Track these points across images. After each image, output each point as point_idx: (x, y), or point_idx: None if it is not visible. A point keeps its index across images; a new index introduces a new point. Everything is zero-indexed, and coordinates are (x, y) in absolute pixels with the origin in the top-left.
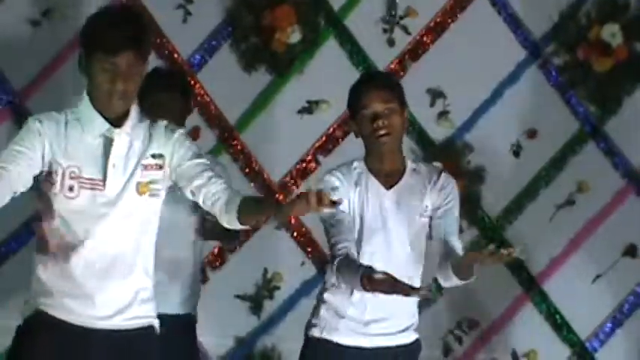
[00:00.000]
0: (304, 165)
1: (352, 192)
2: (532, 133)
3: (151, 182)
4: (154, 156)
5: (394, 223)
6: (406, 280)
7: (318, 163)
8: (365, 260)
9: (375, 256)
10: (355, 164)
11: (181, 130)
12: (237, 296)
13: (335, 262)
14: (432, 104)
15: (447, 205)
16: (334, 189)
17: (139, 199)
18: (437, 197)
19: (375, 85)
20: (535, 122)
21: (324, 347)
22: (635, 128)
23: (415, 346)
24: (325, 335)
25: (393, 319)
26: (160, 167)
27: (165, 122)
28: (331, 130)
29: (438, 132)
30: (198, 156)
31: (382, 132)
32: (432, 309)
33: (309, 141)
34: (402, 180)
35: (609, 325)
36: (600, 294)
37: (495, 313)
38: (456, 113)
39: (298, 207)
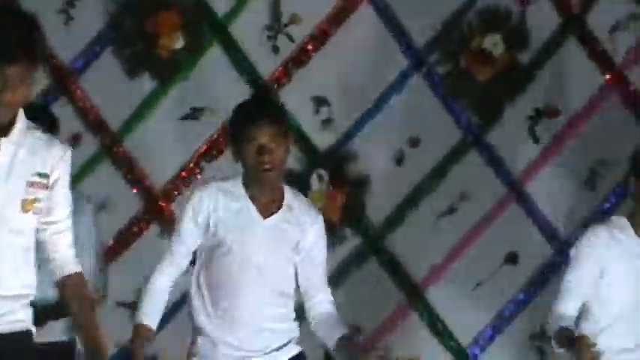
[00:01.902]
0: (188, 172)
1: (212, 213)
2: (415, 142)
3: (35, 200)
4: (40, 174)
5: (267, 255)
6: (276, 312)
7: (201, 170)
8: (234, 288)
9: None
10: (235, 184)
11: (70, 153)
12: (119, 303)
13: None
14: (317, 112)
15: (320, 250)
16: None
17: (24, 216)
18: (310, 239)
19: (264, 116)
20: (418, 131)
21: None
22: (516, 137)
23: (299, 359)
24: None
25: (269, 338)
26: (46, 187)
27: (59, 141)
28: (215, 137)
29: (322, 140)
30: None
31: (267, 167)
32: None
33: (193, 148)
34: (279, 211)
35: (489, 331)
36: (481, 301)
37: (378, 320)
38: (340, 121)
39: None
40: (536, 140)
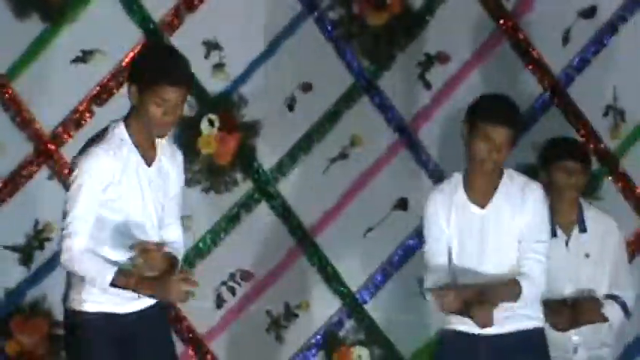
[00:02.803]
0: (78, 115)
1: (119, 171)
2: (307, 87)
3: None
4: None
5: (151, 199)
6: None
7: (92, 113)
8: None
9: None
10: (122, 139)
11: None
12: (6, 247)
13: None
14: (207, 56)
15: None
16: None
17: None
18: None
19: (184, 82)
20: (310, 76)
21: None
22: (408, 83)
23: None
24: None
25: None
26: None
27: None
28: (106, 80)
29: (214, 84)
30: None
31: (169, 126)
32: (205, 260)
33: (83, 91)
34: (156, 158)
35: (379, 276)
36: (371, 247)
37: (269, 265)
38: (232, 66)
39: None
40: (427, 86)
